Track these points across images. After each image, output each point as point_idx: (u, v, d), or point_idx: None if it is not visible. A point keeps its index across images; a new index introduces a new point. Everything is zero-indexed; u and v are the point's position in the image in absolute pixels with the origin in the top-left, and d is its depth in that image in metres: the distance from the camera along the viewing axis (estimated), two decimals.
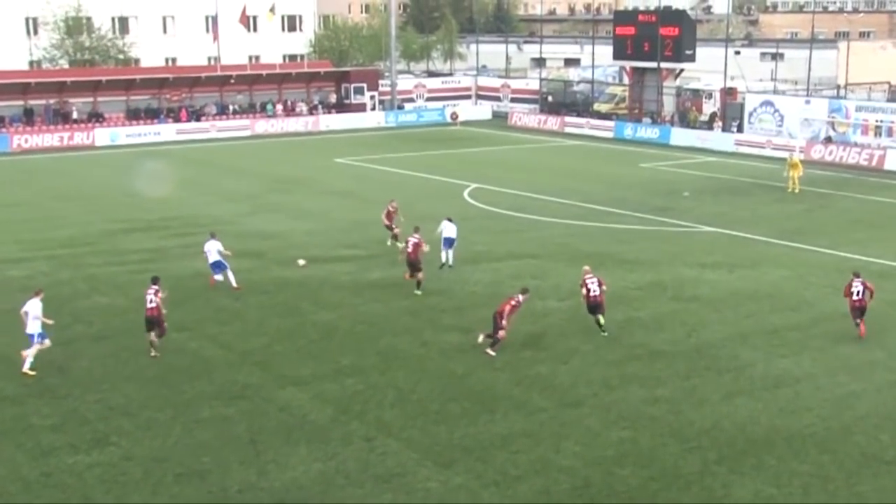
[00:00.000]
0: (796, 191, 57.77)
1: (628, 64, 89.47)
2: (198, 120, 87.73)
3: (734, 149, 76.65)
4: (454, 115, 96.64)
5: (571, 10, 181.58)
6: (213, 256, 37.25)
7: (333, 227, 48.34)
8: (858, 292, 31.37)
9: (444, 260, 39.36)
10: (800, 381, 27.64)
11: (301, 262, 40.39)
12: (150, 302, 29.80)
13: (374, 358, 29.45)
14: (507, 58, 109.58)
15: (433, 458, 22.86)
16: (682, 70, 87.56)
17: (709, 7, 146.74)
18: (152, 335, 29.74)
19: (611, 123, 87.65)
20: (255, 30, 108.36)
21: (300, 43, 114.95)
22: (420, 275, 36.57)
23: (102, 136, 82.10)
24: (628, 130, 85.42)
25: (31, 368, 28.19)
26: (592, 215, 50.99)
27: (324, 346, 30.53)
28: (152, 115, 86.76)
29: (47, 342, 28.70)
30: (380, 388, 26.95)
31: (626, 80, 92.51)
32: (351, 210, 52.30)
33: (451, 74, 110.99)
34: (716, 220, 50.01)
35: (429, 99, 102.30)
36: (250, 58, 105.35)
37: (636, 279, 38.20)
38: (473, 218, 50.12)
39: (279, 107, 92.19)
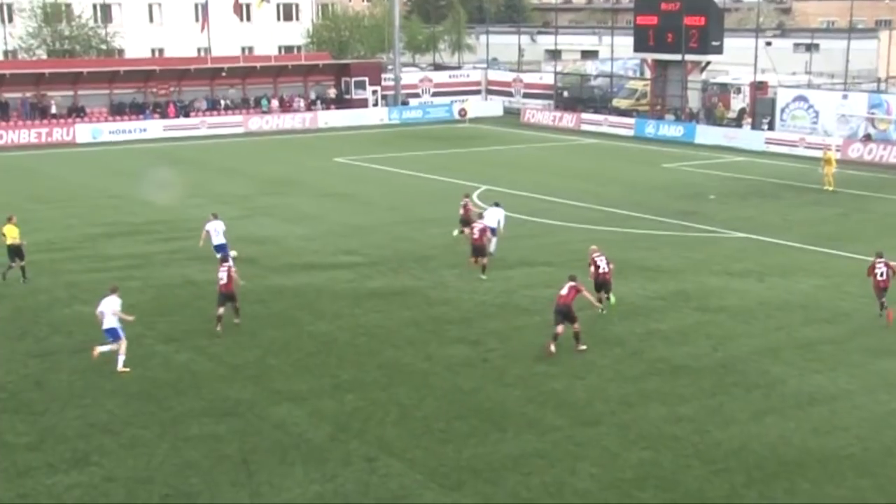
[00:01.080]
0: (830, 188, 57.91)
1: (650, 56, 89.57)
2: (187, 116, 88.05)
3: (764, 148, 76.66)
4: (462, 112, 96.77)
5: None
6: (217, 238, 40.92)
7: (332, 231, 48.39)
8: (882, 273, 34.07)
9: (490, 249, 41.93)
10: (836, 399, 27.60)
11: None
12: (222, 279, 32.73)
13: (375, 372, 29.48)
14: (520, 50, 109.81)
15: (439, 480, 22.86)
16: (708, 63, 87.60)
17: None
18: (221, 310, 32.69)
19: (631, 121, 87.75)
20: (248, 19, 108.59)
21: (297, 33, 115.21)
22: (485, 260, 39.83)
23: (83, 132, 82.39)
24: (650, 128, 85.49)
25: (124, 365, 29.55)
26: (610, 220, 51.01)
27: (321, 360, 30.57)
28: (137, 110, 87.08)
29: (122, 343, 29.75)
30: (381, 405, 26.97)
31: (647, 73, 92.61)
32: (351, 214, 52.36)
33: (459, 68, 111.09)
34: (744, 224, 50.02)
35: (435, 94, 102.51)
36: (243, 49, 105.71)
37: (658, 288, 38.21)
38: None
39: (274, 102, 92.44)
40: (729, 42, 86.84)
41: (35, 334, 32.93)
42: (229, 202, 55.03)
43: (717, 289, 38.34)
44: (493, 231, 42.35)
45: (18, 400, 27.44)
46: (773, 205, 55.38)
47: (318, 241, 46.50)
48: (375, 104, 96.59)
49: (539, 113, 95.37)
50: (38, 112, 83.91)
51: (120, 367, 29.47)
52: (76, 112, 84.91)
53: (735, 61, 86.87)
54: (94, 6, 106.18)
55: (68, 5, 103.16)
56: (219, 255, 34.00)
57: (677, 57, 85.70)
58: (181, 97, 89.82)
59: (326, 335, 32.90)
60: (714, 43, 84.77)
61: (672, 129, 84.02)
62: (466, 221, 44.12)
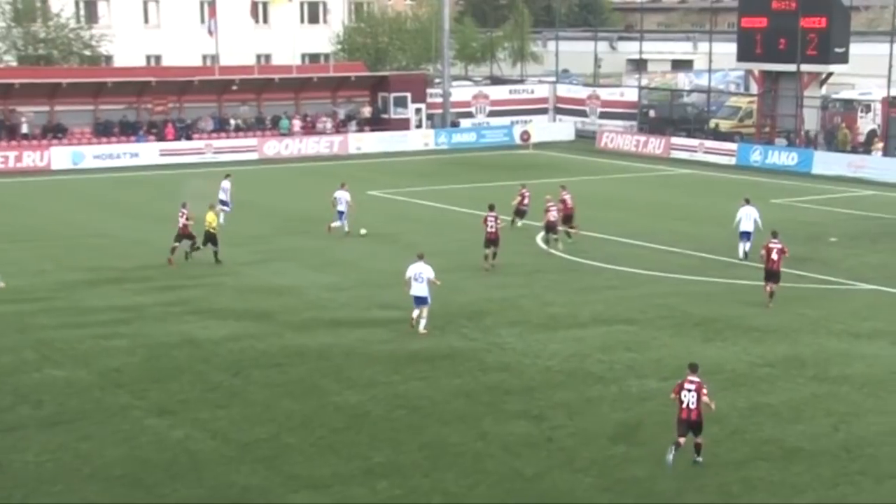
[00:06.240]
0: None
1: (757, 67, 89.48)
2: (188, 138, 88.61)
3: None
4: (525, 136, 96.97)
5: None
6: (340, 206, 57.05)
7: (366, 280, 48.46)
8: None
9: (741, 253, 51.24)
10: None
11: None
12: (491, 227, 48.86)
13: (416, 454, 29.43)
14: (596, 59, 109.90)
15: None
16: (829, 74, 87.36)
17: None
18: (489, 250, 49.04)
19: (733, 146, 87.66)
20: (264, 21, 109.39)
21: (324, 39, 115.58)
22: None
23: (61, 156, 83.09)
24: (756, 155, 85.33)
25: (424, 328, 39.30)
26: (707, 267, 50.86)
27: (350, 438, 30.55)
28: (128, 130, 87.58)
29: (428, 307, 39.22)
30: (423, 494, 26.94)
31: (753, 88, 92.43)
32: (389, 259, 52.32)
33: (521, 81, 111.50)
34: (874, 274, 49.74)
35: (492, 114, 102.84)
36: (259, 58, 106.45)
37: (765, 353, 37.98)
38: (549, 270, 50.15)
39: (296, 122, 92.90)
40: (856, 49, 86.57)
41: None
42: (240, 243, 55.12)
43: (839, 354, 38.06)
44: (750, 235, 51.10)
45: None
46: None
47: (348, 291, 46.61)
48: (419, 125, 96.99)
49: (619, 137, 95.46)
50: (6, 131, 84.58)
51: (423, 328, 39.04)
52: (53, 132, 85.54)
53: (863, 72, 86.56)
54: (77, 3, 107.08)
55: (44, 1, 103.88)
56: (489, 206, 50.35)
57: (792, 67, 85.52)
58: (182, 115, 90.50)
59: (357, 408, 32.89)
60: (837, 50, 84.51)
61: (784, 157, 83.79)
62: (522, 212, 58.37)
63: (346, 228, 57.05)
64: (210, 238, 50.60)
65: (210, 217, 50.76)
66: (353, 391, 34.26)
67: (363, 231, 56.41)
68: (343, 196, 57.20)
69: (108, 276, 49.04)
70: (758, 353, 37.87)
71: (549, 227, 53.63)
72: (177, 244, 50.86)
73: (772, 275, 43.58)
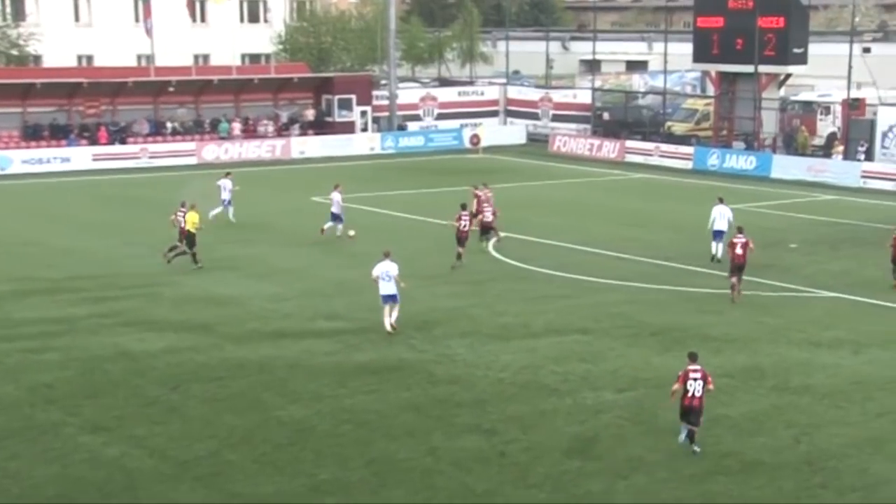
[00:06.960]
0: None
1: (714, 68, 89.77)
2: (123, 142, 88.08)
3: (860, 183, 76.76)
4: (475, 139, 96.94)
5: None
6: (335, 208, 58.15)
7: (310, 290, 48.32)
8: None
9: (714, 251, 52.66)
10: None
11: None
12: (464, 226, 50.96)
13: (362, 470, 29.33)
14: (548, 60, 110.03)
15: None
16: (788, 75, 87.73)
17: None
18: (461, 249, 50.77)
19: (689, 150, 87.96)
20: (202, 20, 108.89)
21: (265, 39, 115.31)
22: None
23: None
24: (713, 159, 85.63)
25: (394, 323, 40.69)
26: (663, 275, 50.96)
27: (294, 454, 30.44)
28: (59, 133, 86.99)
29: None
30: None
31: (710, 90, 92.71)
32: (334, 267, 52.33)
33: (471, 83, 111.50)
34: (834, 281, 49.98)
35: (440, 116, 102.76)
36: (196, 58, 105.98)
37: (724, 363, 38.02)
38: (500, 279, 50.13)
39: (236, 125, 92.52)
40: (815, 49, 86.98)
41: None
42: None
43: (799, 363, 38.20)
44: (723, 235, 51.85)
45: None
46: (872, 256, 55.11)
47: (291, 302, 46.46)
48: (364, 129, 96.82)
49: (572, 140, 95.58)
50: None
51: (394, 322, 40.52)
52: None
53: (823, 73, 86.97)
54: (3, 1, 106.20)
55: None
56: (461, 205, 52.16)
57: (749, 68, 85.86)
58: (116, 118, 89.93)
59: (301, 422, 32.77)
60: (796, 50, 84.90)
61: (742, 161, 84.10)
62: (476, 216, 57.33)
63: (338, 233, 57.90)
64: (188, 238, 51.35)
65: (192, 216, 51.46)
66: (297, 405, 34.14)
67: (351, 232, 56.12)
68: (336, 196, 58.57)
69: (38, 286, 48.68)
70: (716, 364, 37.81)
71: (485, 228, 55.88)
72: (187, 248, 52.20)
73: (737, 268, 45.73)
